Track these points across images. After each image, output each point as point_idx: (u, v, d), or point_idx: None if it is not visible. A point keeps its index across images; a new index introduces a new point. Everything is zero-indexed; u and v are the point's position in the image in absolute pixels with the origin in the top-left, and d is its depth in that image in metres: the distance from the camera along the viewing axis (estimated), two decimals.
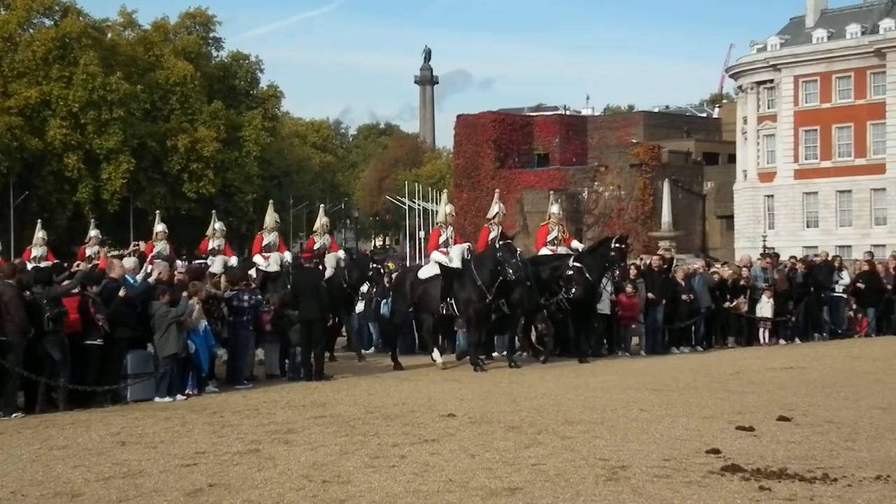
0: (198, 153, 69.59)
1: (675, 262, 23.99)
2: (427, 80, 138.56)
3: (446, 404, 12.48)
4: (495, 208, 18.97)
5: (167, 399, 13.61)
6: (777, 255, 27.60)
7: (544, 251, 19.40)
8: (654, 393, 13.46)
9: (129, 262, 15.51)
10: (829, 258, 25.62)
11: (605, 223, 76.86)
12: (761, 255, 29.12)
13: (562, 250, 19.26)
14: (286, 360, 16.86)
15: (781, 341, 21.92)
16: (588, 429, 10.31)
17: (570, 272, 17.98)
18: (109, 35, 72.95)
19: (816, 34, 73.84)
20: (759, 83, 76.10)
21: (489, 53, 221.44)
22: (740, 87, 79.22)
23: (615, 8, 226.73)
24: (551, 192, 36.31)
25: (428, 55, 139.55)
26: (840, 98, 71.72)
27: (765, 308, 21.84)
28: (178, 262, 20.34)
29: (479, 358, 17.34)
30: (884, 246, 58.42)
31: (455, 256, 17.63)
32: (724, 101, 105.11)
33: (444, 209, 18.96)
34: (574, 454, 8.91)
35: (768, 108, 75.79)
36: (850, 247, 60.76)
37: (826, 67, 72.02)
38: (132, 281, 14.35)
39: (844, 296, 24.05)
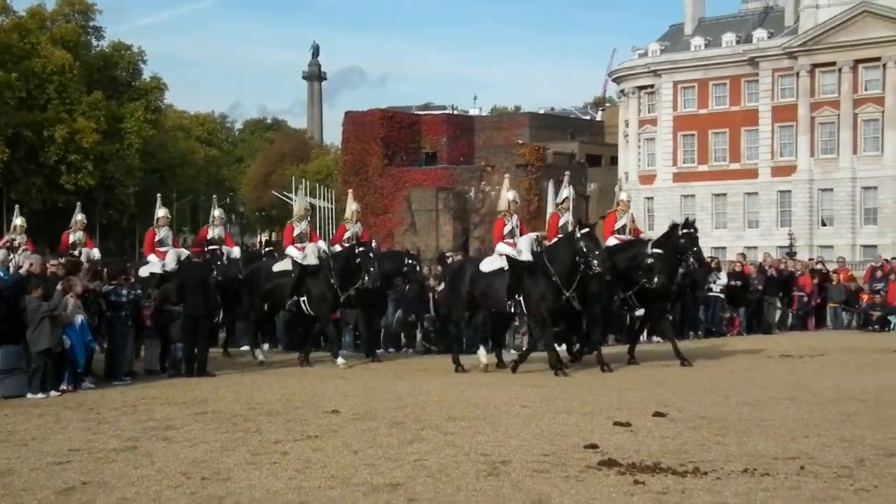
0: (76, 144, 67.60)
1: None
2: (315, 75, 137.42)
3: (330, 401, 12.40)
4: (565, 192, 17.13)
5: (40, 395, 13.17)
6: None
7: (611, 240, 17.44)
8: (536, 389, 13.62)
9: None
10: (706, 259, 26.37)
11: (491, 222, 77.54)
12: None
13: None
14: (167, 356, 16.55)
15: (658, 339, 22.42)
16: (471, 425, 10.37)
17: (651, 260, 16.34)
18: None
19: (694, 42, 76.01)
20: (641, 88, 77.92)
21: (383, 51, 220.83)
22: (622, 92, 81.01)
23: (505, 9, 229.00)
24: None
25: (316, 51, 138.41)
26: (716, 104, 73.98)
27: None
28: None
29: (560, 361, 15.65)
30: (756, 248, 60.48)
31: (524, 248, 15.71)
32: (608, 104, 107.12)
33: (506, 195, 16.88)
34: (456, 450, 8.95)
35: (649, 112, 77.68)
36: (724, 248, 62.68)
37: (703, 74, 74.18)
38: (1, 274, 13.87)
39: (721, 296, 24.83)
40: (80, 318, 13.99)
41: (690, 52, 75.41)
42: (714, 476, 7.66)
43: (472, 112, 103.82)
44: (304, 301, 17.71)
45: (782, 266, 27.92)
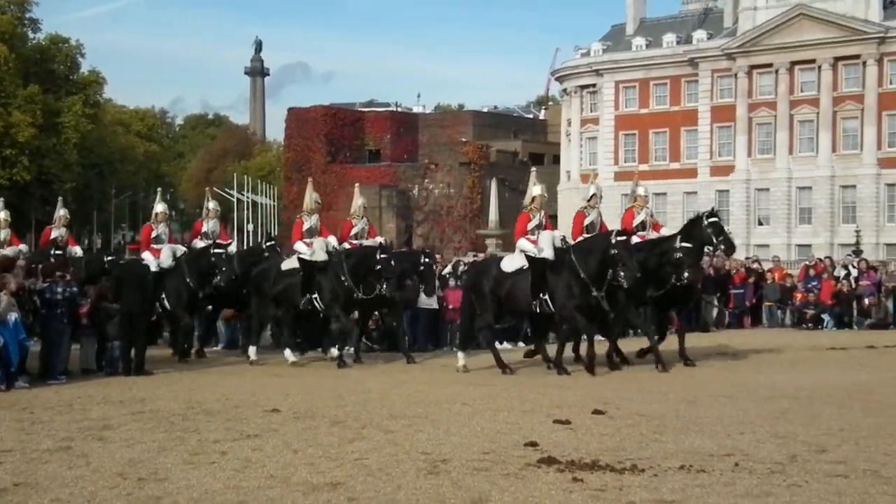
0: (11, 138, 66.26)
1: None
2: (258, 71, 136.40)
3: (270, 399, 12.30)
4: (592, 189, 16.69)
5: None
6: None
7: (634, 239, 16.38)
8: (477, 387, 13.67)
9: None
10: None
11: (434, 220, 77.70)
12: None
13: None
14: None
15: (599, 337, 22.58)
16: (411, 423, 10.36)
17: (679, 255, 15.67)
18: None
19: (636, 42, 76.72)
20: (583, 87, 78.45)
21: (329, 47, 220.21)
22: (565, 91, 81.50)
23: (449, 8, 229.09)
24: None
25: (259, 46, 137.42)
26: (657, 104, 74.75)
27: None
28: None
29: (561, 362, 15.38)
30: None
31: (545, 245, 15.17)
32: (550, 103, 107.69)
33: (534, 190, 16.14)
34: (397, 448, 8.94)
35: (591, 111, 78.25)
36: None
37: (644, 74, 74.90)
38: None
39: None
40: (13, 316, 13.72)
41: (632, 52, 76.12)
42: (651, 473, 7.73)
43: (416, 110, 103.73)
44: (316, 298, 17.06)
45: (719, 265, 28.31)
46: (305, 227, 17.65)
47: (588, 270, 14.69)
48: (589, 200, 16.40)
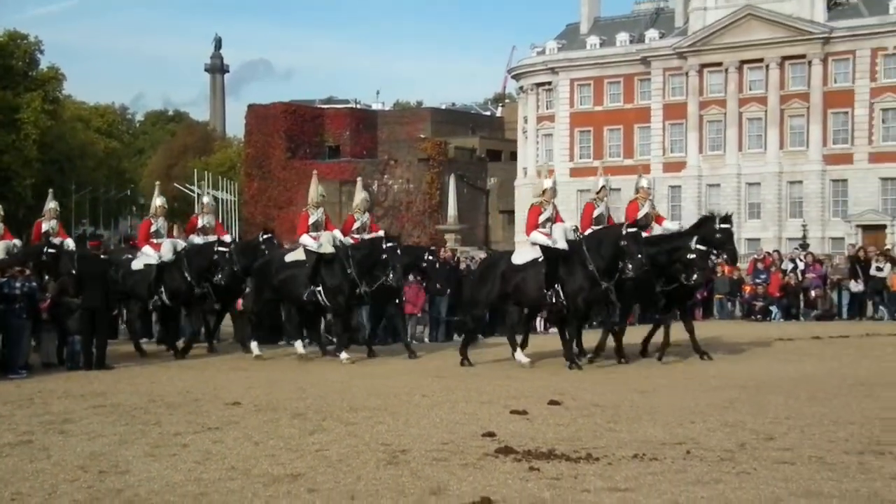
0: None
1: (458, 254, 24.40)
2: (217, 68, 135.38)
3: (232, 392, 12.24)
4: (601, 182, 16.46)
5: None
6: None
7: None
8: (436, 379, 13.67)
9: None
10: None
11: (394, 215, 77.56)
12: None
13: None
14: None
15: (553, 329, 22.70)
16: (372, 415, 10.34)
17: (693, 256, 15.34)
18: None
19: (590, 41, 77.07)
20: (539, 85, 78.66)
21: (289, 45, 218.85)
22: (521, 88, 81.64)
23: (408, 6, 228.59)
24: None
25: (219, 43, 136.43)
26: (611, 102, 75.16)
27: None
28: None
29: (574, 354, 15.09)
30: None
31: (559, 237, 14.87)
32: (507, 100, 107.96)
33: (546, 183, 15.75)
34: (357, 440, 8.92)
35: (547, 108, 78.49)
36: None
37: (598, 72, 75.27)
38: None
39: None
40: None
41: (586, 50, 76.45)
42: (606, 462, 7.78)
43: (375, 107, 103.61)
44: (319, 292, 16.58)
45: None
46: (311, 220, 17.26)
47: (598, 262, 14.47)
48: (598, 193, 16.29)
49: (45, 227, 19.37)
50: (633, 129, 74.23)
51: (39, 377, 14.50)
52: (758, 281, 26.97)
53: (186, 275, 17.33)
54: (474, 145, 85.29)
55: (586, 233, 15.35)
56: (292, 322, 18.09)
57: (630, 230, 14.49)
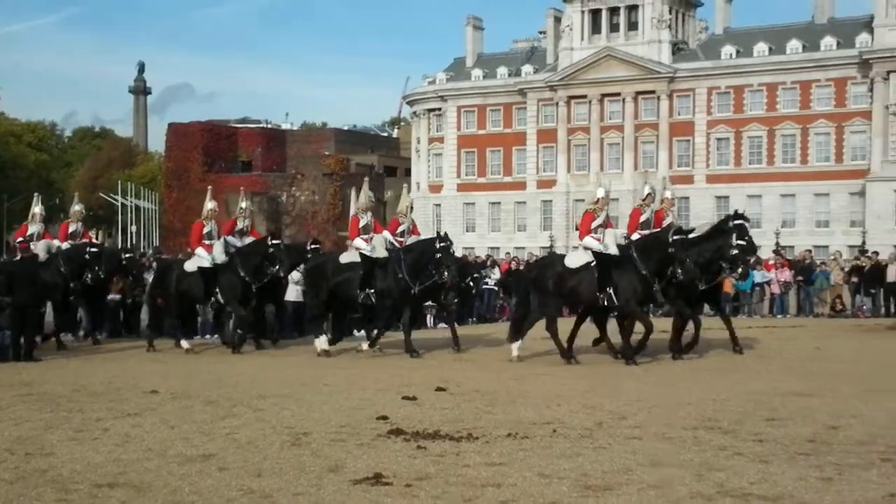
0: None
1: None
2: (140, 90, 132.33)
3: (150, 382, 11.88)
4: (647, 189, 15.32)
5: None
6: None
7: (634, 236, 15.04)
8: (339, 370, 13.54)
9: None
10: (484, 258, 27.17)
11: (301, 223, 76.64)
12: None
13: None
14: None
15: (442, 325, 22.78)
16: (278, 402, 10.17)
17: (736, 252, 14.13)
18: None
19: (474, 73, 77.81)
20: (430, 110, 79.02)
21: (211, 70, 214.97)
22: (415, 113, 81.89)
23: (316, 36, 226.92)
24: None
25: (142, 68, 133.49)
26: (493, 126, 76.02)
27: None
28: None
29: (632, 350, 13.96)
30: (524, 248, 62.49)
31: (610, 242, 14.10)
32: (402, 123, 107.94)
33: (598, 192, 14.74)
34: (264, 424, 8.77)
35: (437, 131, 78.89)
36: (498, 248, 64.48)
37: (482, 101, 76.06)
38: None
39: (495, 288, 25.59)
40: None
41: (471, 81, 77.18)
42: (484, 440, 7.82)
43: (285, 126, 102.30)
44: (372, 293, 15.48)
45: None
46: (362, 223, 16.19)
47: (649, 267, 13.73)
48: (644, 199, 15.34)
49: (31, 230, 18.08)
50: (512, 150, 75.24)
51: None
52: None
53: (242, 274, 16.28)
54: (373, 162, 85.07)
55: (633, 237, 14.63)
56: (315, 320, 16.81)
57: (678, 237, 13.81)
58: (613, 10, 71.88)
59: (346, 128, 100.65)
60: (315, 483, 6.43)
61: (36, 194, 19.63)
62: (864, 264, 26.96)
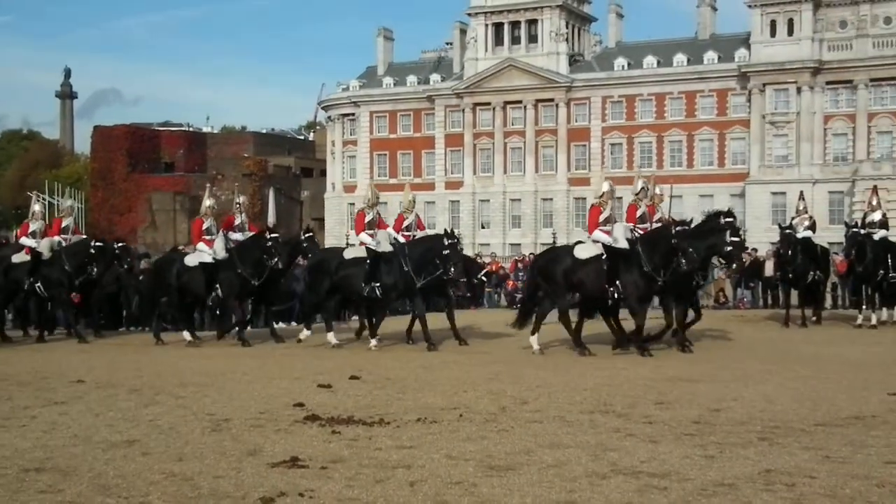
0: None
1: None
2: (67, 94, 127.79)
3: (76, 372, 11.50)
4: (640, 184, 14.66)
5: None
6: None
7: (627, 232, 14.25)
8: (256, 360, 13.32)
9: None
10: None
11: (220, 222, 75.39)
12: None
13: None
14: None
15: (354, 317, 22.50)
16: (199, 390, 9.98)
17: (730, 248, 13.46)
18: None
19: (386, 81, 77.60)
20: (344, 115, 78.50)
21: (137, 75, 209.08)
22: (329, 118, 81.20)
23: (235, 44, 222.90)
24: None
25: (68, 74, 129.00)
26: (403, 131, 75.97)
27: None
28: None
29: (644, 343, 13.34)
30: None
31: (620, 236, 13.40)
32: (318, 127, 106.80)
33: (603, 186, 14.05)
34: (186, 411, 8.60)
35: (350, 134, 78.43)
36: None
37: (393, 107, 75.93)
38: None
39: None
40: None
41: (382, 88, 76.95)
42: (395, 425, 7.80)
43: (206, 129, 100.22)
44: (378, 287, 14.82)
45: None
46: (367, 219, 15.53)
47: (653, 261, 13.16)
48: (637, 194, 14.62)
49: (32, 227, 17.33)
50: (421, 153, 75.32)
51: None
52: (519, 276, 27.86)
53: (239, 271, 15.71)
54: (290, 164, 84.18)
55: (644, 234, 13.94)
56: (328, 315, 15.97)
57: (680, 228, 13.36)
58: (515, 24, 72.65)
59: (264, 131, 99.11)
60: (235, 466, 6.34)
61: (35, 193, 18.93)
62: (744, 260, 27.71)
